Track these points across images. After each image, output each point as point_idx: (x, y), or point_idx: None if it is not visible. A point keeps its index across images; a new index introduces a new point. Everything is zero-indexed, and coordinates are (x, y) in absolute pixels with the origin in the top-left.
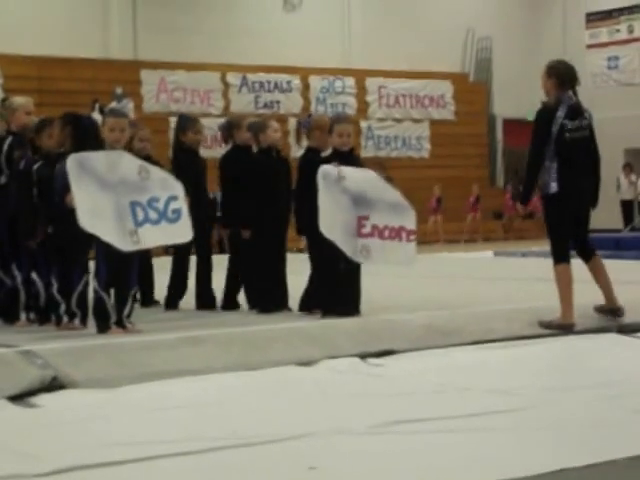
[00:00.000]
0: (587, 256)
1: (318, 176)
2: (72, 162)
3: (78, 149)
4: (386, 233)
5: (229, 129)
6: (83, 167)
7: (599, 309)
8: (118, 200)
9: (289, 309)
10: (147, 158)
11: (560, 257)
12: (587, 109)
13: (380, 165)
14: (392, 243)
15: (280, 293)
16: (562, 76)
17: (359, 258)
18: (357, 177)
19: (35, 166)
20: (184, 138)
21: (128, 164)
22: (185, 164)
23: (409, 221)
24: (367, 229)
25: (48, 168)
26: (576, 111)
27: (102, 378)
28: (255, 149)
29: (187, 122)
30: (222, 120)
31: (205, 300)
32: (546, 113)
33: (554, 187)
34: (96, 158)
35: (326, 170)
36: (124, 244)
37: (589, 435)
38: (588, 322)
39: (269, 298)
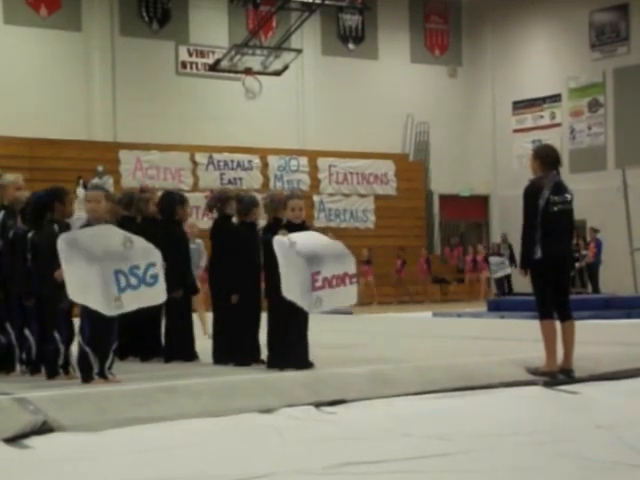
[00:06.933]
0: (563, 317)
1: (274, 247)
2: (62, 242)
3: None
4: (334, 282)
5: (219, 200)
6: (72, 245)
7: (532, 371)
8: (103, 270)
9: (262, 362)
10: (154, 220)
11: (545, 314)
12: (570, 188)
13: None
14: (338, 289)
15: (254, 348)
16: (545, 158)
17: (313, 310)
18: (305, 239)
19: (30, 234)
20: (181, 212)
21: (113, 236)
22: (175, 235)
23: (350, 267)
24: (319, 283)
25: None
26: (560, 187)
27: (86, 423)
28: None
29: (183, 199)
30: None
31: (189, 353)
32: (533, 189)
33: (538, 253)
34: (84, 234)
35: (279, 240)
36: (108, 309)
37: (516, 477)
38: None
39: (245, 353)
